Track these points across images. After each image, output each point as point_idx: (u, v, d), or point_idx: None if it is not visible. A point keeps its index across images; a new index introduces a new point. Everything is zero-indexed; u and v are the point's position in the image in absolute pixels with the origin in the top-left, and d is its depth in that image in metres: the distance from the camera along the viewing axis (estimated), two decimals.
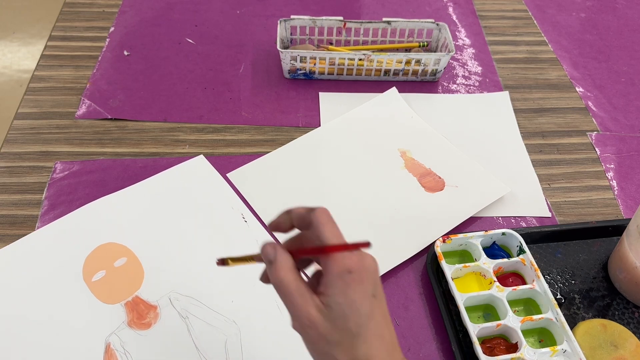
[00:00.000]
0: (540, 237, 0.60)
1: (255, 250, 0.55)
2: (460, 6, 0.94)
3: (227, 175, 0.65)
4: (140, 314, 0.52)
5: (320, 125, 0.72)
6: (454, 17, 0.92)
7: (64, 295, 0.53)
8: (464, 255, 0.59)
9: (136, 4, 0.89)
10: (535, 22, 0.93)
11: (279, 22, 0.77)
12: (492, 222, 0.63)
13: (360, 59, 0.74)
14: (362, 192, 0.64)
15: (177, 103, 0.74)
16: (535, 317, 0.52)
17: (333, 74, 0.77)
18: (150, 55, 0.81)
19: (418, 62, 0.75)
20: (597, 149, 0.72)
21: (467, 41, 0.87)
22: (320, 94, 0.76)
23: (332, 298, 0.33)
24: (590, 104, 0.79)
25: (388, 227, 0.61)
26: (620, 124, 0.76)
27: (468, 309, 0.53)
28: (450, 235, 0.58)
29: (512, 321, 0.51)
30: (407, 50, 0.80)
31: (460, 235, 0.58)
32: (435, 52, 0.80)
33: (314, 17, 0.78)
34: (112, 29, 0.84)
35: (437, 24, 0.79)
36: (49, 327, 0.51)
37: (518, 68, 0.84)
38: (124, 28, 0.85)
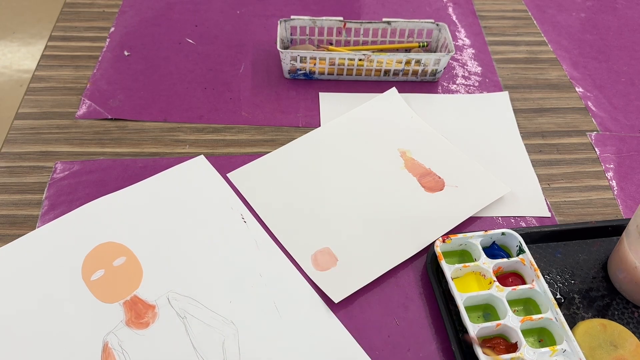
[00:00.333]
0: (540, 237, 0.60)
1: (253, 249, 0.55)
2: (460, 6, 0.94)
3: (227, 175, 0.65)
4: (139, 313, 0.52)
5: (320, 125, 0.72)
6: (454, 18, 0.92)
7: (62, 294, 0.53)
8: (463, 255, 0.59)
9: (136, 4, 0.89)
10: (535, 22, 0.93)
11: (279, 22, 0.77)
12: (492, 222, 0.63)
13: (360, 59, 0.74)
14: (362, 192, 0.65)
15: (177, 103, 0.74)
16: (534, 316, 0.52)
17: (333, 74, 0.77)
18: (151, 55, 0.81)
19: (418, 62, 0.75)
20: (596, 149, 0.72)
21: (467, 41, 0.87)
22: (320, 94, 0.76)
23: None
24: (590, 104, 0.79)
25: (388, 227, 0.61)
26: (620, 124, 0.76)
27: (468, 308, 0.53)
28: (450, 235, 0.58)
29: (512, 321, 0.51)
30: (407, 50, 0.81)
31: (460, 235, 0.58)
32: (435, 52, 0.80)
33: (314, 18, 0.78)
34: (112, 29, 0.85)
35: (437, 24, 0.79)
36: (47, 326, 0.51)
37: (518, 68, 0.84)
38: (124, 28, 0.85)
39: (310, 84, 0.78)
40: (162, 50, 0.82)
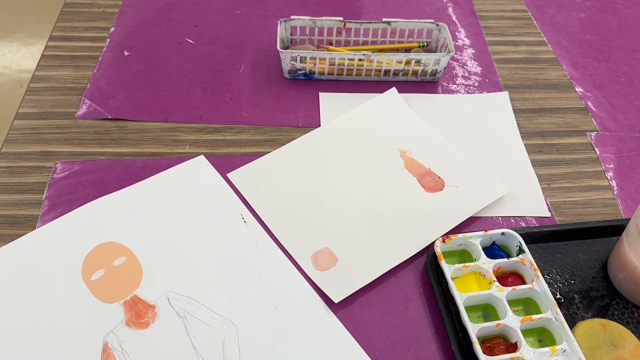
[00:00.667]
0: (540, 237, 0.60)
1: (253, 249, 0.55)
2: (460, 6, 0.94)
3: (227, 175, 0.65)
4: (139, 313, 0.52)
5: (320, 125, 0.72)
6: (454, 18, 0.92)
7: (62, 294, 0.53)
8: (463, 255, 0.59)
9: (136, 4, 0.89)
10: (535, 22, 0.93)
11: (279, 22, 0.77)
12: (492, 222, 0.63)
13: (360, 59, 0.74)
14: (362, 192, 0.65)
15: (177, 103, 0.74)
16: (534, 316, 0.52)
17: (333, 74, 0.77)
18: (151, 56, 0.81)
19: (418, 62, 0.75)
20: (596, 149, 0.73)
21: (467, 41, 0.87)
22: (320, 94, 0.76)
23: None
24: (590, 104, 0.79)
25: (388, 227, 0.61)
26: (620, 124, 0.76)
27: (468, 308, 0.53)
28: (450, 235, 0.58)
29: (512, 321, 0.51)
30: (407, 50, 0.81)
31: (460, 235, 0.58)
32: (435, 52, 0.80)
33: (314, 18, 0.78)
34: (112, 29, 0.85)
35: (437, 24, 0.79)
36: (47, 326, 0.51)
37: (518, 68, 0.84)
38: (124, 28, 0.85)
39: (310, 84, 0.78)
40: (162, 50, 0.82)
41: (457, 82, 0.80)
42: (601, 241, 0.61)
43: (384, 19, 0.79)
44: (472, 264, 0.56)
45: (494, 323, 0.51)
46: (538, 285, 0.54)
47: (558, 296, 0.56)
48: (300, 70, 0.76)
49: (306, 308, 0.54)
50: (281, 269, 0.57)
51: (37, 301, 0.52)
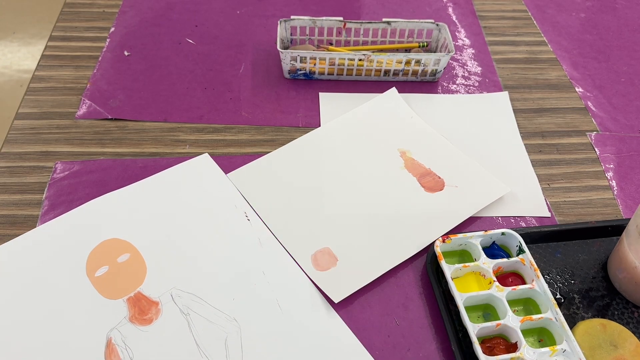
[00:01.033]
0: (540, 237, 0.60)
1: (256, 247, 0.55)
2: (460, 6, 0.94)
3: (227, 175, 0.65)
4: (142, 309, 0.52)
5: (320, 126, 0.72)
6: (454, 18, 0.92)
7: (67, 289, 0.53)
8: (463, 255, 0.59)
9: (136, 4, 0.89)
10: (535, 22, 0.93)
11: (279, 22, 0.77)
12: (492, 222, 0.63)
13: (360, 59, 0.74)
14: (362, 192, 0.65)
15: (177, 103, 0.74)
16: (534, 316, 0.52)
17: (333, 74, 0.77)
18: (151, 56, 0.81)
19: (418, 62, 0.75)
20: (596, 149, 0.73)
21: (467, 41, 0.87)
22: (320, 94, 0.76)
23: None
24: (589, 104, 0.79)
25: (388, 227, 0.61)
26: (620, 124, 0.76)
27: (468, 308, 0.53)
28: (450, 235, 0.58)
29: (512, 321, 0.51)
30: (407, 50, 0.81)
31: (460, 235, 0.58)
32: (435, 52, 0.80)
33: (314, 18, 0.78)
34: (112, 29, 0.85)
35: (437, 24, 0.79)
36: (52, 321, 0.51)
37: (518, 68, 0.84)
38: (124, 28, 0.85)
39: (310, 84, 0.78)
40: (162, 50, 0.82)
41: (457, 82, 0.80)
42: (601, 241, 0.61)
43: (384, 19, 0.79)
44: (472, 264, 0.56)
45: (494, 323, 0.51)
46: (538, 285, 0.54)
47: (558, 296, 0.56)
48: (300, 70, 0.76)
49: (308, 306, 0.54)
50: (284, 267, 0.57)
51: (41, 297, 0.53)
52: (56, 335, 0.50)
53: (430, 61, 0.75)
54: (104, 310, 0.52)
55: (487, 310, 0.55)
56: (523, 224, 0.63)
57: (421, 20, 0.79)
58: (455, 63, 0.83)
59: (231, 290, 0.54)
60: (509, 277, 0.57)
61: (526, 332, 0.52)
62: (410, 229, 0.61)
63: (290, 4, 0.91)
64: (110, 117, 0.72)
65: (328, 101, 0.76)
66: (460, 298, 0.53)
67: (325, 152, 0.69)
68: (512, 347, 0.51)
